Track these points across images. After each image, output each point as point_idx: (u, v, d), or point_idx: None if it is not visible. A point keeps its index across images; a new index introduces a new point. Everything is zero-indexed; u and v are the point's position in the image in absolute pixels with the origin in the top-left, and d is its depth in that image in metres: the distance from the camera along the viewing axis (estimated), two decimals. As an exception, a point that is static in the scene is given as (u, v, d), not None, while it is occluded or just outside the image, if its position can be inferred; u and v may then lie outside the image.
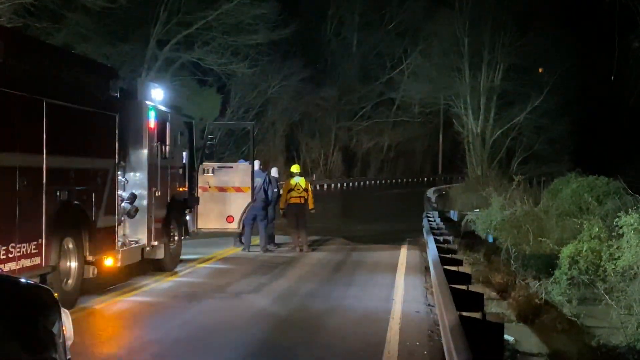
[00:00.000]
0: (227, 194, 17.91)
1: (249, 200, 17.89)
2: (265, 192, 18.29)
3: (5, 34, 9.59)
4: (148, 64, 33.78)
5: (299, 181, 18.65)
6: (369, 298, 12.25)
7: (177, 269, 14.82)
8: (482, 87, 42.90)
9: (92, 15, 27.86)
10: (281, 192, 19.05)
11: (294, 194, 18.51)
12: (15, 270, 9.13)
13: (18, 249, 9.32)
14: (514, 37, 41.97)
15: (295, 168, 19.22)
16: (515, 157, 45.51)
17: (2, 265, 8.84)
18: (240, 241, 18.85)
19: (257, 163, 18.82)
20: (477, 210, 22.03)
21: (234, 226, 17.99)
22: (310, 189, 19.07)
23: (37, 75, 9.86)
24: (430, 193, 35.98)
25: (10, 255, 9.15)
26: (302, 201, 18.55)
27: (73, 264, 10.82)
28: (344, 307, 11.44)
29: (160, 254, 13.98)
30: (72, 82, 10.80)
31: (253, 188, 18.02)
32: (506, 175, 32.82)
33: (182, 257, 15.49)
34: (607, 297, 10.68)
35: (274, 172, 19.06)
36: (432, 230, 15.49)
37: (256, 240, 18.75)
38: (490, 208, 19.21)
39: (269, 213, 18.53)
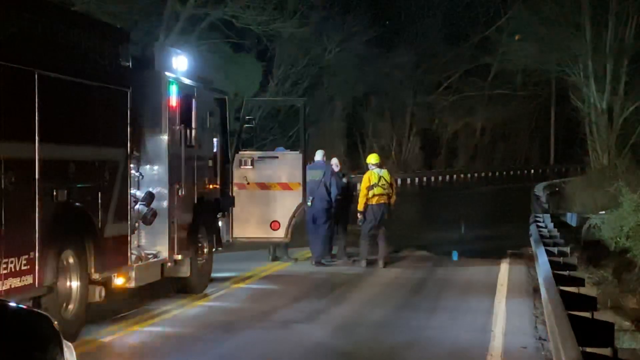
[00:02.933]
0: (271, 192, 18.02)
1: (300, 200, 17.97)
2: (327, 188, 18.32)
3: (-14, -12, 9.76)
4: (167, 23, 34.09)
5: (383, 174, 18.59)
6: (459, 329, 12.23)
7: (207, 290, 14.96)
8: (608, 48, 42.22)
9: (95, -39, 28.27)
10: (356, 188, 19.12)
11: (377, 191, 18.44)
12: (0, 291, 9.31)
13: (4, 265, 9.50)
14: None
15: (373, 158, 19.12)
16: (655, 141, 44.73)
17: (-15, 285, 9.03)
18: (275, 257, 18.98)
19: (319, 153, 18.95)
20: (603, 212, 21.76)
21: (280, 235, 18.11)
22: (395, 184, 19.01)
23: (27, 40, 10.02)
24: (540, 190, 35.68)
25: (-6, 273, 9.36)
26: (387, 200, 18.51)
27: (74, 284, 10.99)
28: (426, 340, 11.44)
29: (185, 272, 14.13)
30: (72, 48, 10.96)
31: (305, 185, 18.11)
32: (642, 166, 32.34)
33: (213, 275, 15.63)
34: None
35: (318, 155, 19.06)
36: (543, 239, 15.41)
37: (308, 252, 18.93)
38: (620, 209, 18.96)
39: (331, 217, 18.60)
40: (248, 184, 17.97)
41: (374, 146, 54.42)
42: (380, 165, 18.95)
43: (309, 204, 18.22)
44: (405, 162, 58.37)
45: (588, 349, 7.08)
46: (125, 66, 12.32)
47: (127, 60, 12.37)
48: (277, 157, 18.65)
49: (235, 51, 39.45)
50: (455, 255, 18.22)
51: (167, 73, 13.60)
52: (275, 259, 18.98)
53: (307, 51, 44.29)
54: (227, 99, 16.50)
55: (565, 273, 11.56)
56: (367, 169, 19.22)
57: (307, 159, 19.06)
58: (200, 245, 14.79)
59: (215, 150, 15.75)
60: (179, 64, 14.08)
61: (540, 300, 12.67)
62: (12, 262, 9.63)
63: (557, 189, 41.97)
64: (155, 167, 13.42)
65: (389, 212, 18.62)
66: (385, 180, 18.52)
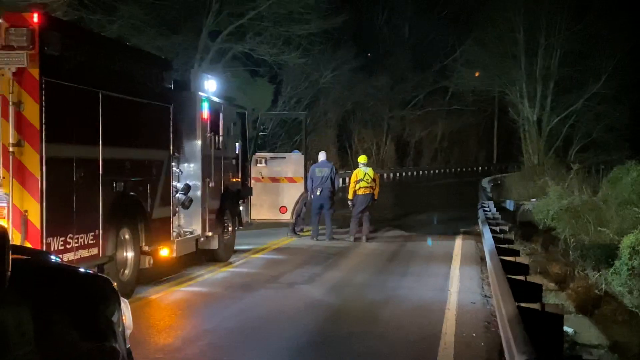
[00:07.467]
0: (280, 184, 18.02)
1: (302, 190, 17.97)
2: (332, 181, 18.27)
3: (62, 27, 9.74)
4: (201, 55, 34.02)
5: (368, 171, 18.56)
6: (424, 288, 12.22)
7: (231, 259, 14.94)
8: (538, 74, 42.24)
9: (145, 6, 28.17)
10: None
11: (362, 184, 18.42)
12: (73, 260, 9.31)
13: (76, 240, 9.50)
14: (572, 22, 41.15)
15: (362, 159, 19.06)
16: (572, 145, 44.75)
17: (61, 255, 9.00)
18: (294, 231, 18.94)
19: (323, 154, 18.87)
20: (534, 199, 21.75)
21: (287, 217, 18.13)
22: (378, 179, 18.98)
23: (93, 68, 10.01)
24: (485, 182, 35.64)
25: (68, 246, 9.34)
26: (371, 191, 18.46)
27: (129, 254, 11.00)
28: (399, 297, 11.43)
29: (214, 245, 14.13)
30: (127, 74, 10.96)
31: (306, 178, 18.12)
32: (563, 164, 32.33)
33: (236, 247, 15.61)
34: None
35: (322, 156, 18.93)
36: (488, 220, 15.38)
37: (308, 231, 18.88)
38: (547, 197, 18.95)
39: (334, 203, 18.54)
40: (262, 177, 17.96)
41: (359, 150, 54.40)
42: (367, 165, 18.90)
43: (318, 193, 18.11)
44: (382, 161, 58.28)
45: (522, 304, 7.07)
46: (168, 87, 12.31)
47: (169, 83, 12.35)
48: (284, 157, 18.65)
49: (252, 76, 39.40)
50: (429, 242, 18.12)
51: (200, 93, 13.59)
52: (294, 234, 18.82)
53: (307, 76, 44.24)
54: (246, 113, 16.48)
55: (505, 246, 11.54)
56: (355, 167, 19.17)
57: (308, 159, 19.03)
58: (226, 224, 14.77)
59: (237, 152, 15.73)
60: (210, 86, 14.06)
61: (486, 267, 12.67)
62: (82, 238, 9.64)
63: (498, 182, 41.91)
64: (191, 165, 13.41)
65: (373, 200, 18.59)
66: (369, 176, 18.47)
